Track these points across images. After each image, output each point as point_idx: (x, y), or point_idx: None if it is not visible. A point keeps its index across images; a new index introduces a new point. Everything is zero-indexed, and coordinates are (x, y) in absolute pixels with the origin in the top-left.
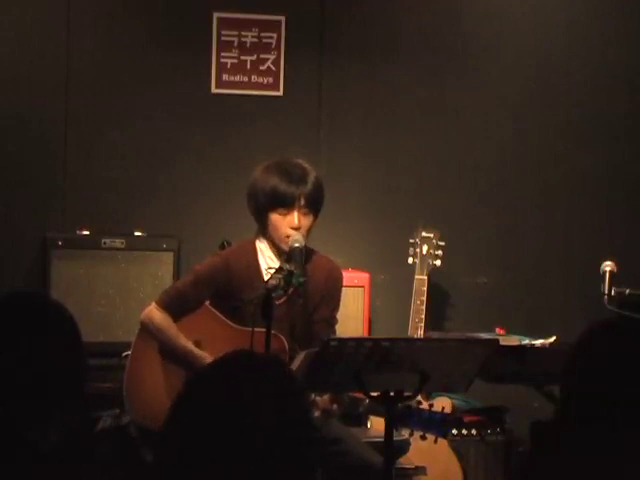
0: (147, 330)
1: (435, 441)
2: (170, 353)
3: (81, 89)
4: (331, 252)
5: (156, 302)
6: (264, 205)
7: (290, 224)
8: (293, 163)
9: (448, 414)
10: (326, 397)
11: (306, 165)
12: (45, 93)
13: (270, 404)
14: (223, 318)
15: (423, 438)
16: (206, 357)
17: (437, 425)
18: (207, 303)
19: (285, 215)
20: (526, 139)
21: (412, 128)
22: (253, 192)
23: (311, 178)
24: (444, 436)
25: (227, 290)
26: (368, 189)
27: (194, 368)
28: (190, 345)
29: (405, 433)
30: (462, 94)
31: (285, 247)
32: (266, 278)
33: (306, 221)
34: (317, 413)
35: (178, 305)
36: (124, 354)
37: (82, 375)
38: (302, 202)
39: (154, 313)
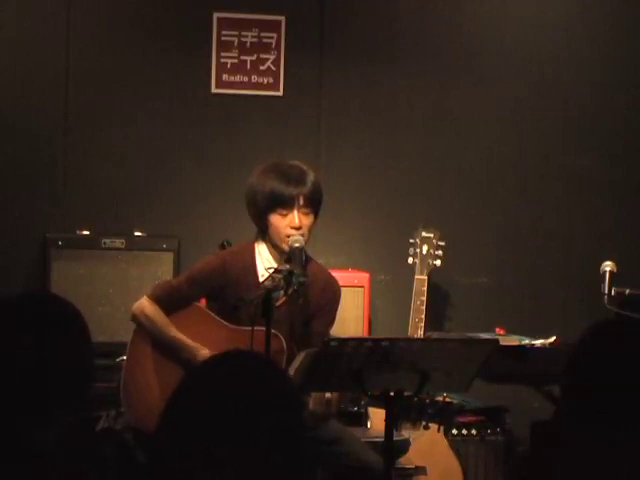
0: (137, 322)
1: (438, 430)
2: (164, 350)
3: (81, 89)
4: (331, 252)
5: (147, 295)
6: (264, 207)
7: (291, 224)
8: (290, 164)
9: (450, 402)
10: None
11: (303, 166)
12: (45, 93)
13: (267, 404)
14: (219, 319)
15: (426, 428)
16: (199, 347)
17: (440, 413)
18: (202, 305)
19: (285, 215)
20: (526, 139)
21: (412, 128)
22: (252, 196)
23: (309, 178)
24: (448, 423)
25: (222, 290)
26: (368, 189)
27: (188, 360)
28: (182, 336)
29: (405, 432)
30: (462, 94)
31: (286, 247)
32: (262, 279)
33: (307, 221)
34: (316, 407)
35: (170, 300)
36: (118, 359)
37: (87, 375)
38: (301, 202)
39: (145, 305)
